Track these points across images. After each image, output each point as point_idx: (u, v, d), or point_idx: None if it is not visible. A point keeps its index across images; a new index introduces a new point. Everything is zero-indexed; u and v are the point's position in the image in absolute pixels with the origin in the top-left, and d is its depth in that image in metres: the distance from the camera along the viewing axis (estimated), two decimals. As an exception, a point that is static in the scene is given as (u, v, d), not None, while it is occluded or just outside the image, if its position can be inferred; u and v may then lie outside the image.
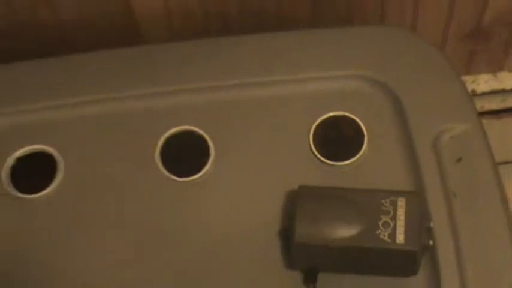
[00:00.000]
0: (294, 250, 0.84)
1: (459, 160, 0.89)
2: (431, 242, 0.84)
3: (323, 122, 0.92)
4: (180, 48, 0.97)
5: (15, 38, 0.99)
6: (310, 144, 0.91)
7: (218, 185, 0.91)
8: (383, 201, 0.83)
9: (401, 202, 0.83)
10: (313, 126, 0.92)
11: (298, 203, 0.84)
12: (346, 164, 0.91)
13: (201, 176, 0.91)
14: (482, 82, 1.11)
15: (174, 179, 0.91)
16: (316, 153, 0.91)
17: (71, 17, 0.97)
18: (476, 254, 0.85)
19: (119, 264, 0.88)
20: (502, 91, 1.14)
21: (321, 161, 0.91)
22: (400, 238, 0.82)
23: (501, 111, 1.15)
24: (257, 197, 0.90)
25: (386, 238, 0.82)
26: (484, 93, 1.03)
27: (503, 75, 1.14)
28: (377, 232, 0.82)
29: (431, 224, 0.85)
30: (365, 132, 0.91)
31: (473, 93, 1.00)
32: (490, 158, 0.90)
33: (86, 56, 0.97)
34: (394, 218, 0.82)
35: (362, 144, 0.91)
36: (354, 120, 0.92)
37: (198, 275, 0.87)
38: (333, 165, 0.91)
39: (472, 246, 0.85)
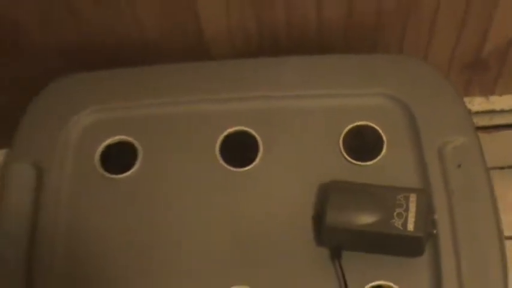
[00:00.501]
0: (324, 232, 0.84)
1: (459, 166, 0.88)
2: (434, 231, 0.84)
3: (351, 130, 0.92)
4: (239, 64, 0.96)
5: (110, 52, 0.98)
6: (340, 147, 0.91)
7: (264, 175, 0.90)
8: (398, 196, 0.83)
9: (412, 198, 0.83)
10: (343, 133, 0.91)
11: (329, 194, 0.84)
12: (368, 164, 0.90)
13: (251, 168, 0.91)
14: (477, 103, 1.10)
15: (229, 169, 0.91)
16: (344, 154, 0.90)
17: (153, 35, 0.97)
18: (469, 241, 0.84)
19: (184, 236, 0.88)
20: (492, 111, 1.13)
21: (348, 161, 0.90)
22: (410, 226, 0.81)
23: (490, 127, 1.14)
24: (296, 188, 0.89)
25: (399, 226, 0.81)
26: (477, 112, 1.02)
27: (494, 98, 1.13)
28: (392, 221, 0.82)
29: (435, 216, 0.84)
30: (384, 139, 0.91)
31: (469, 112, 0.98)
32: (484, 164, 0.89)
33: (165, 67, 0.96)
34: (406, 210, 0.82)
35: (382, 149, 0.90)
36: (376, 129, 0.91)
37: (248, 247, 0.87)
38: (358, 164, 0.90)
39: (466, 235, 0.84)
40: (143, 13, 0.95)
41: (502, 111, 1.13)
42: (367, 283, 0.83)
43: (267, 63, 0.95)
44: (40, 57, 1.01)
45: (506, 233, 0.85)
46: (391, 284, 0.83)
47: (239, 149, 0.92)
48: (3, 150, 1.20)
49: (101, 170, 0.91)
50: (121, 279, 0.86)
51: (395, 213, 0.82)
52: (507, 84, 1.11)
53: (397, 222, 0.82)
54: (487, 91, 1.11)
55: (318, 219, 0.85)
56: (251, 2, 0.93)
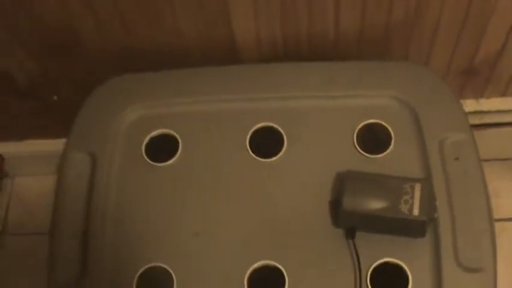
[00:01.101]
0: (341, 214, 0.83)
1: (457, 158, 0.87)
2: (435, 215, 0.82)
3: (363, 127, 0.90)
4: (267, 68, 0.94)
5: (154, 57, 0.97)
6: (354, 142, 0.89)
7: (288, 165, 0.89)
8: (404, 185, 0.82)
9: (417, 186, 0.82)
10: (357, 129, 0.90)
11: (345, 182, 0.83)
12: (378, 157, 0.88)
13: (276, 159, 0.89)
14: (468, 105, 1.08)
15: (258, 160, 0.89)
16: (358, 148, 0.89)
17: (192, 42, 0.96)
18: (465, 223, 0.83)
19: (218, 217, 0.87)
20: (481, 112, 1.11)
21: (361, 154, 0.89)
22: (416, 211, 0.80)
23: (479, 126, 1.12)
24: (314, 176, 0.88)
25: (406, 211, 0.81)
26: (469, 113, 1.00)
27: (483, 100, 1.12)
28: (400, 206, 0.81)
29: (436, 202, 0.83)
30: (392, 135, 0.89)
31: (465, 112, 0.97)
32: (478, 157, 0.87)
33: (202, 70, 0.95)
34: (412, 197, 0.81)
35: (390, 143, 0.89)
36: (385, 126, 0.90)
37: (274, 227, 0.86)
38: (369, 157, 0.88)
39: (462, 218, 0.83)
40: (183, 23, 0.93)
41: (489, 112, 1.12)
42: (377, 260, 0.82)
43: (291, 67, 0.94)
44: (94, 61, 1.00)
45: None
46: (397, 260, 0.82)
47: (266, 143, 0.90)
48: (61, 139, 1.19)
49: (146, 159, 0.90)
50: (160, 254, 0.85)
51: (402, 200, 0.81)
52: (494, 88, 1.09)
53: (404, 208, 0.81)
54: (478, 94, 1.10)
55: (335, 203, 0.84)
56: (279, 16, 0.92)
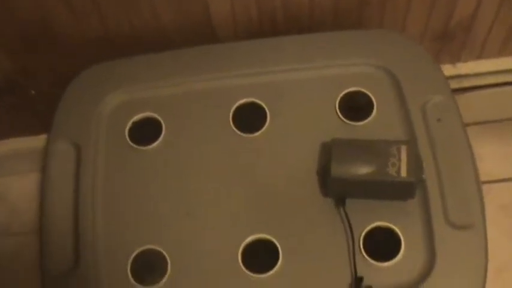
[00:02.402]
0: (329, 182, 0.83)
1: (439, 120, 0.88)
2: (423, 176, 0.83)
3: (345, 95, 0.91)
4: (245, 45, 0.95)
5: (131, 41, 0.97)
6: (336, 111, 0.90)
7: (273, 139, 0.90)
8: (390, 148, 0.83)
9: (403, 148, 0.82)
10: (338, 98, 0.91)
11: (332, 149, 0.83)
12: (362, 124, 0.89)
13: (260, 133, 0.90)
14: (445, 70, 1.09)
15: (242, 135, 0.90)
16: (341, 116, 0.90)
17: (168, 24, 0.96)
18: (452, 183, 0.84)
19: (205, 194, 0.87)
20: (458, 76, 1.13)
21: (344, 122, 0.90)
22: (403, 173, 0.81)
23: (457, 90, 1.14)
24: (300, 147, 0.89)
25: (394, 173, 0.81)
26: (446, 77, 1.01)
27: (460, 65, 1.13)
28: (387, 169, 0.81)
29: (423, 163, 0.83)
30: (374, 102, 0.90)
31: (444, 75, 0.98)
32: (460, 117, 0.89)
33: (180, 51, 0.95)
34: (399, 159, 0.82)
35: (372, 110, 0.90)
36: (366, 93, 0.91)
37: (261, 201, 0.86)
38: (352, 125, 0.89)
39: (449, 178, 0.85)
40: (159, 6, 0.93)
41: (466, 76, 1.13)
42: (368, 225, 0.83)
43: (268, 42, 0.94)
44: (71, 52, 1.00)
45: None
46: (388, 224, 0.82)
47: (249, 118, 0.91)
48: (42, 136, 1.18)
49: (130, 143, 0.90)
50: (153, 236, 0.85)
51: (389, 163, 0.81)
52: (470, 52, 1.10)
53: (392, 170, 0.81)
54: (454, 59, 1.11)
55: (324, 172, 0.84)
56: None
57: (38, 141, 1.19)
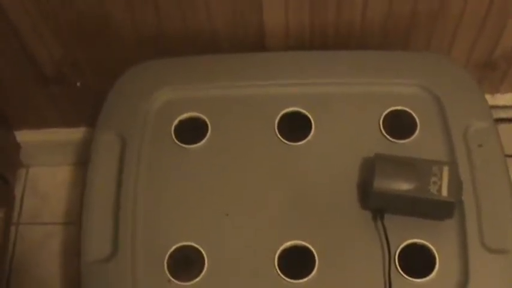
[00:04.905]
0: (371, 195, 0.85)
1: (480, 145, 0.90)
2: (462, 197, 0.85)
3: (389, 113, 0.93)
4: (296, 55, 0.98)
5: (184, 42, 1.00)
6: (380, 127, 0.92)
7: (316, 149, 0.92)
8: (433, 167, 0.84)
9: (445, 169, 0.84)
10: (383, 115, 0.93)
11: (376, 164, 0.85)
12: (404, 142, 0.91)
13: (304, 143, 0.92)
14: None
15: (286, 143, 0.92)
16: (384, 133, 0.92)
17: (222, 28, 0.98)
18: (489, 206, 0.86)
19: (247, 198, 0.89)
20: (496, 107, 1.15)
21: (387, 139, 0.92)
22: (444, 193, 0.83)
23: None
24: (342, 159, 0.91)
25: (435, 192, 0.83)
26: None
27: (498, 96, 1.15)
28: (429, 187, 0.83)
29: (463, 185, 0.85)
30: (418, 122, 0.92)
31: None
32: (500, 144, 0.91)
33: (232, 56, 0.98)
34: (440, 179, 0.84)
35: (415, 130, 0.92)
36: (410, 113, 0.93)
37: (302, 208, 0.88)
38: (395, 142, 0.91)
39: (486, 201, 0.86)
40: (215, 9, 0.96)
41: (504, 107, 1.15)
42: (404, 241, 0.84)
43: (318, 55, 0.97)
44: (124, 47, 1.02)
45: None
46: (424, 241, 0.84)
47: (294, 127, 0.93)
48: (79, 128, 1.20)
49: (176, 140, 0.92)
50: (191, 233, 0.86)
51: (431, 181, 0.83)
52: (510, 84, 1.12)
53: (433, 189, 0.83)
54: (494, 89, 1.13)
55: (365, 185, 0.86)
56: (308, 5, 0.95)
57: (74, 133, 1.21)
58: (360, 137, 0.92)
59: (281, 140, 0.92)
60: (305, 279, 0.83)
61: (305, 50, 0.98)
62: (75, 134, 1.21)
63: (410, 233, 0.85)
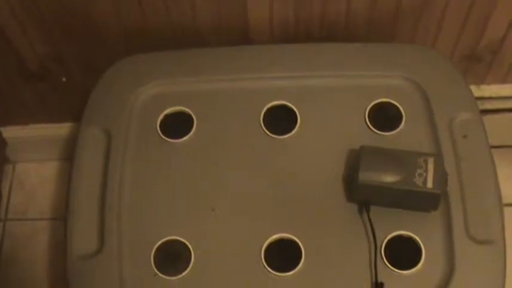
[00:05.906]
0: (356, 187, 0.85)
1: (465, 136, 0.90)
2: (448, 189, 0.85)
3: (375, 105, 0.93)
4: (280, 48, 0.97)
5: (168, 35, 0.99)
6: (365, 119, 0.92)
7: (301, 142, 0.92)
8: (418, 159, 0.84)
9: (430, 160, 0.84)
10: (368, 107, 0.93)
11: (361, 156, 0.85)
12: (389, 134, 0.91)
13: (290, 136, 0.92)
14: (470, 91, 1.11)
15: (270, 136, 0.92)
16: (370, 125, 0.92)
17: (205, 23, 0.98)
18: (474, 197, 0.86)
19: (232, 192, 0.89)
20: (482, 98, 1.15)
21: (372, 131, 0.92)
22: (430, 184, 0.83)
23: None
24: (328, 152, 0.91)
25: (420, 184, 0.83)
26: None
27: (483, 87, 1.15)
28: (414, 179, 0.83)
29: (448, 177, 0.85)
30: (403, 114, 0.92)
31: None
32: (485, 135, 0.91)
33: (216, 50, 0.98)
34: (425, 170, 0.84)
35: (401, 122, 0.92)
36: (396, 105, 0.93)
37: (287, 201, 0.88)
38: (380, 134, 0.91)
39: (472, 192, 0.87)
40: (199, 3, 0.95)
41: (489, 98, 1.15)
42: (390, 233, 0.84)
43: (304, 47, 0.97)
44: (107, 40, 1.02)
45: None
46: (410, 233, 0.84)
47: (280, 120, 0.93)
48: (65, 124, 1.20)
49: (161, 135, 0.92)
50: (177, 228, 0.86)
51: (416, 173, 0.83)
52: (496, 75, 1.13)
53: (418, 181, 0.83)
54: (479, 80, 1.13)
55: (351, 177, 0.86)
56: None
57: (60, 129, 1.21)
58: (345, 130, 0.92)
59: (267, 134, 0.92)
60: (292, 272, 0.83)
61: (290, 43, 0.98)
62: (62, 129, 1.20)
63: (396, 225, 0.85)
